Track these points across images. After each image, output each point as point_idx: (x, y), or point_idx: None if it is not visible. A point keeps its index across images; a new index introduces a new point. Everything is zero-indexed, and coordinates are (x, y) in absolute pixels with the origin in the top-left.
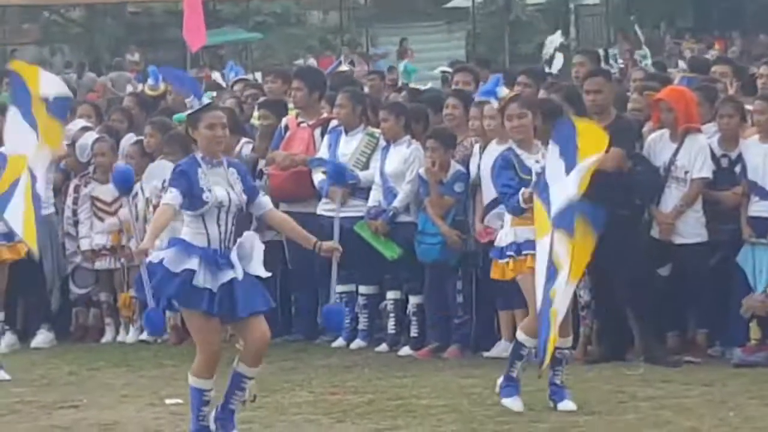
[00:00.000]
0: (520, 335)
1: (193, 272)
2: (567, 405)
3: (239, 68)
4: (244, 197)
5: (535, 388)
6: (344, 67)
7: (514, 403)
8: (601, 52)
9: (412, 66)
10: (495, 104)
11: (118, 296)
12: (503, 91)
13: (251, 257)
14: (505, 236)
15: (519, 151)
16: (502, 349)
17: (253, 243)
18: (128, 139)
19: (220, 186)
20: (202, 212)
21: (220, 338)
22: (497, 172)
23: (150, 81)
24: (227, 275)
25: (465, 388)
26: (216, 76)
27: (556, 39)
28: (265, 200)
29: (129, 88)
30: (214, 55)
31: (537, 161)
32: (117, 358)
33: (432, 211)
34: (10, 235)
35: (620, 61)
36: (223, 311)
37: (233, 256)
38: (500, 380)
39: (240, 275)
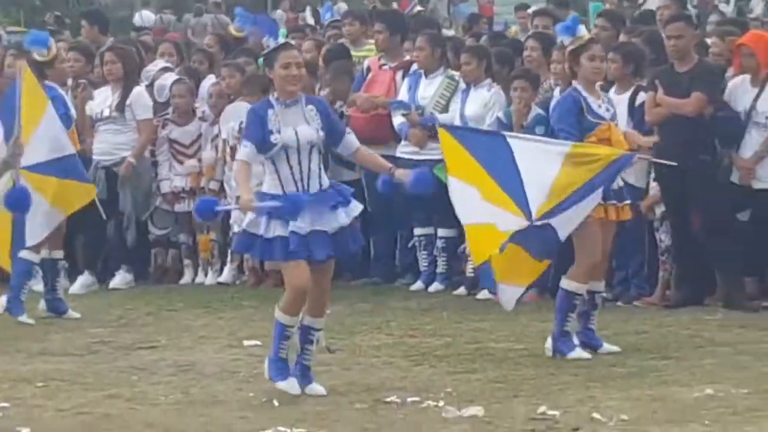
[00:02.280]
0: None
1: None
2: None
3: (335, 10)
4: (321, 134)
5: (614, 332)
6: (418, 8)
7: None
8: None
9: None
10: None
11: (197, 238)
12: (582, 31)
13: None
14: None
15: (585, 94)
16: None
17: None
18: (209, 80)
19: (289, 126)
20: (271, 155)
21: (308, 276)
22: (561, 114)
23: (237, 22)
24: (297, 224)
25: (543, 332)
26: (306, 15)
27: None
28: (351, 139)
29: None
30: None
31: (600, 105)
32: (195, 300)
33: None
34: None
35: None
36: (302, 254)
37: (306, 202)
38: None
39: (308, 226)
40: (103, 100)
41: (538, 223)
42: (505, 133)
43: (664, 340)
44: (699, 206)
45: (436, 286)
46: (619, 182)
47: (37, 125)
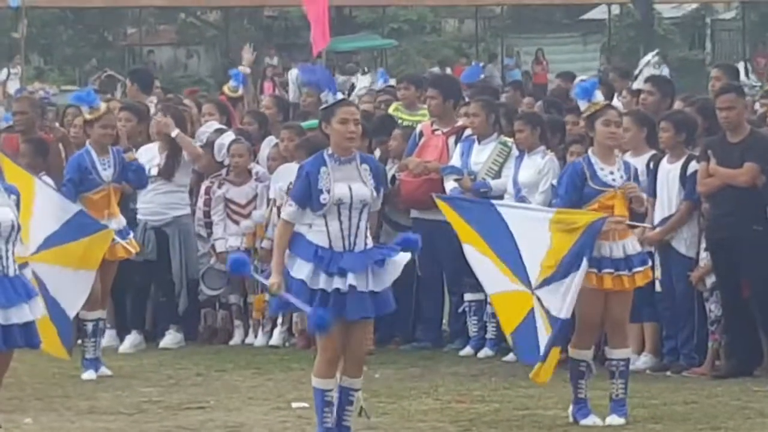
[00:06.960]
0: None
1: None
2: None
3: (387, 76)
4: (375, 194)
5: (663, 402)
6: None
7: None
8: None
9: None
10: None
11: (248, 298)
12: (598, 96)
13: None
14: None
15: (594, 160)
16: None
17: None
18: (269, 142)
19: (344, 182)
20: (323, 212)
21: (338, 343)
22: (560, 180)
23: (232, 83)
24: (338, 282)
25: (592, 400)
26: (361, 79)
27: (649, 56)
28: (377, 203)
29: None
30: (349, 60)
31: (612, 172)
32: (245, 361)
33: None
34: (123, 233)
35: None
36: (336, 312)
37: (349, 265)
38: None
39: (347, 285)
40: (150, 158)
41: (538, 292)
42: (494, 201)
43: (713, 411)
44: (750, 276)
45: (485, 352)
46: (628, 250)
47: (31, 214)
